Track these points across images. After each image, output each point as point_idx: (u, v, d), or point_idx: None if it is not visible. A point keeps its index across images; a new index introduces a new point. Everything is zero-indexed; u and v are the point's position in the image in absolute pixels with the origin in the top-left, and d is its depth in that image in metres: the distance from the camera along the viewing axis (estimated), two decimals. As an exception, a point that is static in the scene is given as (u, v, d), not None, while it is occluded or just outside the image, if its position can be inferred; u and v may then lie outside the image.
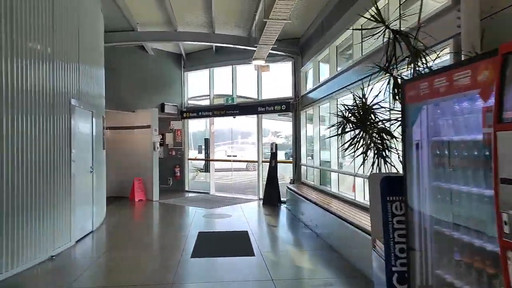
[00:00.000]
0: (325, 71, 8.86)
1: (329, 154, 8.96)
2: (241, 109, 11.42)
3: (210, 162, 12.50)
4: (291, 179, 10.38)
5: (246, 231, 6.87)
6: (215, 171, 12.86)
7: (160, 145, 12.98)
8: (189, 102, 13.20)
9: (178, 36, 10.03)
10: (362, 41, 6.13)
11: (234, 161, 13.06)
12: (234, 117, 11.89)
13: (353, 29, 5.98)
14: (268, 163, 10.46)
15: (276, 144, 10.16)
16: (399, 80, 3.42)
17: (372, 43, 5.55)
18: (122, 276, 4.68)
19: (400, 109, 3.06)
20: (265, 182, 10.90)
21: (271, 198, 9.94)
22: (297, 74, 10.21)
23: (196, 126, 13.70)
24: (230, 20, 9.18)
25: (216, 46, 11.72)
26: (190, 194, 12.21)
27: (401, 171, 3.10)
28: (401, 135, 2.98)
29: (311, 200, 7.37)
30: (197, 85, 13.34)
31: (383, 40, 3.57)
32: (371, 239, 3.47)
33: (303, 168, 10.06)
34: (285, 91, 10.81)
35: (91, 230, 6.75)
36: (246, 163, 18.50)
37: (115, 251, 5.77)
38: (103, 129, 8.16)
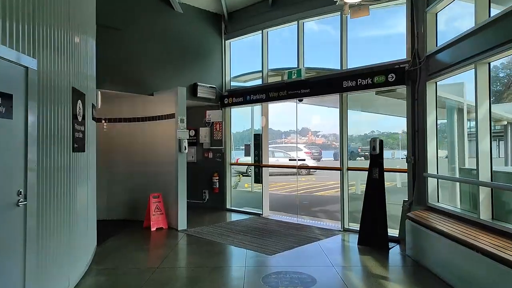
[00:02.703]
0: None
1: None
2: (313, 87, 7.29)
3: (263, 168, 8.49)
4: (405, 201, 6.11)
5: None
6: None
7: (192, 144, 9.27)
8: (232, 83, 9.32)
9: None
10: None
11: (302, 167, 8.90)
12: (301, 101, 7.79)
13: None
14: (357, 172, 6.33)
15: (381, 141, 5.93)
16: None
17: None
18: None
19: None
20: (348, 200, 6.80)
21: (374, 235, 5.73)
22: (418, 19, 5.91)
23: (239, 117, 9.78)
24: None
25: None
26: (234, 216, 8.29)
27: None
28: None
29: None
30: (244, 57, 9.43)
31: None
32: None
33: (431, 183, 5.74)
34: (391, 52, 6.58)
35: None
36: (296, 164, 14.27)
37: None
38: (82, 118, 4.46)
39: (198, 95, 8.50)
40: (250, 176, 13.68)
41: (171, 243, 6.03)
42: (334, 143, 31.90)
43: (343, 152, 6.92)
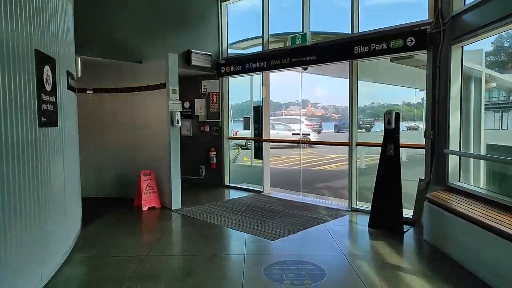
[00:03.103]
0: None
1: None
2: (320, 54, 6.54)
3: (264, 143, 7.88)
4: (421, 180, 5.55)
5: None
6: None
7: (187, 116, 8.63)
8: (230, 50, 8.54)
9: None
10: None
11: (305, 142, 8.24)
12: (305, 69, 7.08)
13: None
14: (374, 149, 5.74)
15: (397, 114, 5.28)
16: None
17: None
18: None
19: None
20: (357, 178, 6.26)
21: (387, 217, 5.20)
22: (446, -30, 5.12)
23: (237, 88, 9.07)
24: None
25: None
26: (232, 194, 7.77)
27: None
28: None
29: None
30: (242, 22, 8.62)
31: None
32: None
33: (452, 160, 5.15)
34: (409, 14, 5.82)
35: None
36: (298, 137, 13.54)
37: None
38: (51, 87, 3.81)
39: (192, 64, 7.75)
40: (249, 149, 13.11)
41: (163, 226, 5.51)
42: (333, 114, 31.26)
43: (352, 125, 6.28)
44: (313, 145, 18.90)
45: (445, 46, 5.15)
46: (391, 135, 5.23)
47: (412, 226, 5.35)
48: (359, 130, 6.43)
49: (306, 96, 28.69)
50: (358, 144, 6.35)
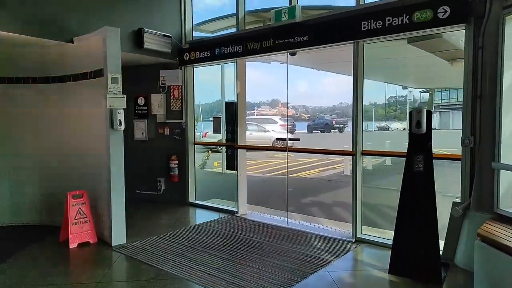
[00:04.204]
0: None
1: None
2: (314, 33, 4.94)
3: (239, 150, 6.18)
4: (456, 204, 4.06)
5: None
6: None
7: (142, 116, 6.84)
8: (195, 34, 6.81)
9: None
10: None
11: (293, 150, 6.55)
12: (293, 54, 5.48)
13: None
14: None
15: (429, 113, 3.76)
16: None
17: None
18: None
19: None
20: (362, 198, 4.77)
21: (415, 259, 3.67)
22: None
23: (205, 82, 7.39)
24: None
25: None
26: (199, 216, 6.06)
27: None
28: None
29: None
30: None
31: None
32: None
33: (504, 178, 3.70)
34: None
35: None
36: (285, 142, 11.79)
37: None
38: None
39: (145, 47, 5.95)
40: (220, 152, 11.42)
41: (92, 279, 3.70)
42: (303, 114, 30.59)
43: (357, 129, 4.74)
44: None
45: (492, 18, 3.69)
46: (421, 143, 3.71)
47: (446, 268, 3.87)
48: (333, 130, 4.96)
49: (276, 95, 27.64)
50: (363, 153, 4.81)
